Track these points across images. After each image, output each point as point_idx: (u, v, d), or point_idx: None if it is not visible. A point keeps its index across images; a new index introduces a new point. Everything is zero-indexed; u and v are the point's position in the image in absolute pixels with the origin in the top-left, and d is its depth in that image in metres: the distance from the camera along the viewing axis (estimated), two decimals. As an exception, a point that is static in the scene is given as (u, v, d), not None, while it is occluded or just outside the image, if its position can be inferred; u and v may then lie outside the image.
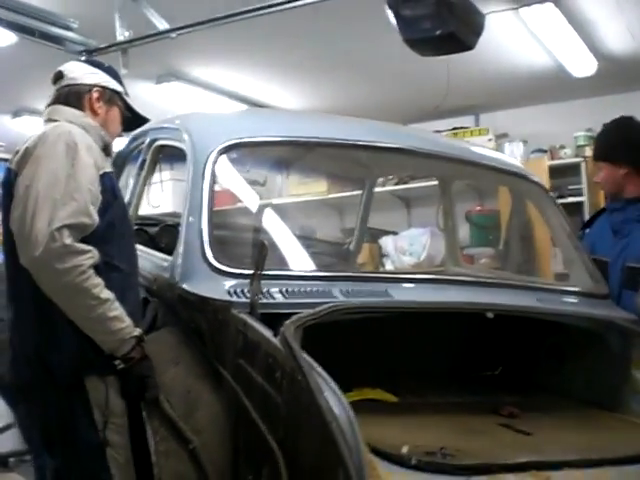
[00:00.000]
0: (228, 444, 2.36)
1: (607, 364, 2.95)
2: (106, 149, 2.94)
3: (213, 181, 2.87)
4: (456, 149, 3.73)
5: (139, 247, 3.34)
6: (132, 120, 3.21)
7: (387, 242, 7.38)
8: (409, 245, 7.14)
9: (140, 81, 6.45)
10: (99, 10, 4.84)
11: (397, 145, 3.35)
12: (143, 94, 6.87)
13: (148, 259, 3.24)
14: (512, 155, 7.32)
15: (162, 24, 4.76)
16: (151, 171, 3.59)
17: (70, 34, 4.81)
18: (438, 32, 3.86)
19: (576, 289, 3.33)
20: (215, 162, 2.91)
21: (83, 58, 2.99)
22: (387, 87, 6.88)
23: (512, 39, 5.74)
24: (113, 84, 3.04)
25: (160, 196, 3.95)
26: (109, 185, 2.77)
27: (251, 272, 2.49)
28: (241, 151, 3.14)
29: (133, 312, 2.77)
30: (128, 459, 2.64)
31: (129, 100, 3.12)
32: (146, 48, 5.01)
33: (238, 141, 3.02)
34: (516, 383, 3.30)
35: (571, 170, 6.91)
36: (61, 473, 2.68)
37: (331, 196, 7.68)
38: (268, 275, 2.59)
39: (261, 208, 3.61)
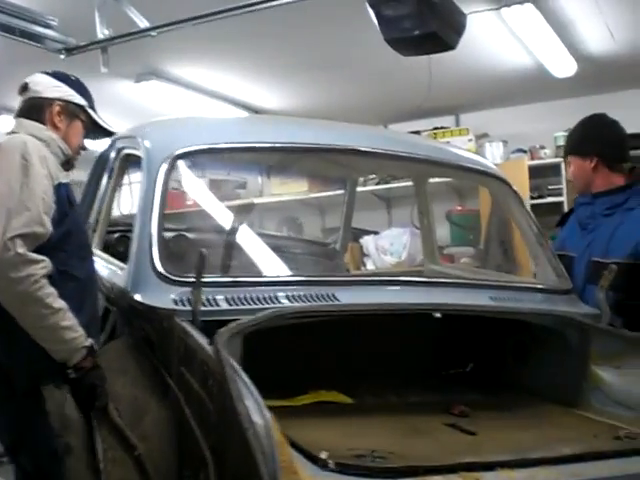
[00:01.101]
0: (172, 451, 2.38)
1: (568, 360, 2.95)
2: (68, 162, 2.98)
3: (164, 190, 2.87)
4: (421, 148, 3.71)
5: (103, 255, 3.39)
6: (97, 132, 3.22)
7: (368, 242, 7.40)
8: (390, 245, 7.16)
9: (119, 79, 6.43)
10: (79, 8, 4.79)
11: (352, 146, 3.34)
12: (122, 92, 6.85)
13: (108, 267, 3.25)
14: (492, 155, 7.37)
15: (142, 22, 4.73)
16: (119, 179, 3.59)
17: (50, 32, 4.77)
18: (420, 32, 3.86)
19: (537, 285, 3.33)
20: (166, 170, 2.90)
21: (50, 71, 3.00)
22: (369, 87, 6.89)
23: (493, 39, 5.76)
24: (77, 98, 3.06)
25: (130, 203, 3.93)
26: (64, 195, 2.80)
27: (205, 280, 2.51)
28: (193, 159, 3.15)
29: (90, 322, 2.80)
30: (88, 465, 2.65)
31: (93, 114, 3.13)
32: (126, 46, 4.98)
33: (190, 149, 3.02)
34: (484, 381, 3.31)
35: (551, 170, 6.96)
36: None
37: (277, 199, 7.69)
38: (214, 282, 2.64)
39: (215, 214, 3.63)
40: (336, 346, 3.16)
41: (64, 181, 2.84)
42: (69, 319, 2.64)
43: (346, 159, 3.62)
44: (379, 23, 3.91)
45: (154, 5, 4.77)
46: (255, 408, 1.85)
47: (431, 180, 7.10)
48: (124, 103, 7.03)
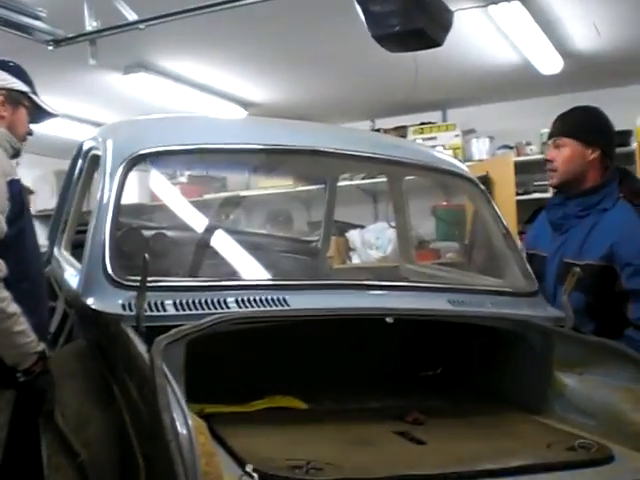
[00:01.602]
0: (115, 458, 2.34)
1: (532, 366, 2.92)
2: (17, 154, 2.98)
3: (120, 191, 2.83)
4: (387, 149, 3.61)
5: (68, 257, 3.35)
6: (41, 115, 3.22)
7: (354, 236, 7.42)
8: (375, 239, 7.19)
9: (107, 72, 6.41)
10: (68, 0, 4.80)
11: (315, 147, 3.29)
12: (110, 85, 6.83)
13: (70, 269, 3.21)
14: (478, 151, 7.42)
15: (131, 15, 4.73)
16: (87, 180, 3.55)
17: (38, 23, 4.75)
18: (406, 28, 3.87)
19: (502, 288, 3.26)
20: (124, 172, 2.87)
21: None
22: (355, 82, 6.91)
23: (480, 36, 5.78)
24: (18, 85, 3.06)
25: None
26: (17, 192, 2.79)
27: (152, 284, 2.46)
28: (153, 160, 3.11)
29: (41, 324, 2.82)
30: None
31: (37, 99, 3.14)
32: (114, 38, 4.97)
33: (147, 151, 2.97)
34: (451, 385, 3.30)
35: (537, 166, 6.95)
36: None
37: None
38: (162, 287, 2.59)
39: (176, 215, 3.65)
40: (298, 351, 3.15)
41: (16, 177, 2.82)
42: (22, 324, 2.65)
43: (311, 160, 3.55)
44: (366, 19, 3.93)
45: (143, -2, 4.77)
46: (180, 420, 1.85)
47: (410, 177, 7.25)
48: (112, 95, 7.02)
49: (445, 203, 7.33)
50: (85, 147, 3.55)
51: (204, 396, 2.12)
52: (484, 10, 5.20)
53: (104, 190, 2.85)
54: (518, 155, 7.13)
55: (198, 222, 3.81)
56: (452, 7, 4.05)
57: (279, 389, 2.94)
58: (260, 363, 3.09)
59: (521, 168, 6.92)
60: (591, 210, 3.43)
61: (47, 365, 2.71)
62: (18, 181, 2.84)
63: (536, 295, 3.21)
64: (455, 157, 6.83)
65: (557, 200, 3.58)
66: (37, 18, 4.76)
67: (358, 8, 3.90)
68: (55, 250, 3.74)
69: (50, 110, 3.21)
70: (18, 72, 3.11)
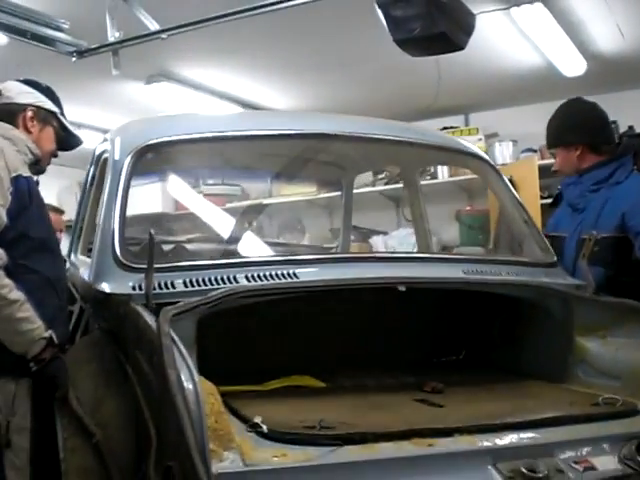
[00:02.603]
0: (130, 436, 2.38)
1: (552, 335, 2.90)
2: (37, 163, 3.03)
3: (128, 182, 2.92)
4: (406, 132, 3.63)
5: (85, 260, 3.39)
6: (68, 140, 3.28)
7: (377, 242, 7.40)
8: (399, 244, 7.16)
9: (129, 81, 6.44)
10: (90, 11, 4.83)
11: (327, 131, 3.30)
12: (132, 94, 6.87)
13: (82, 270, 3.27)
14: (502, 155, 7.36)
15: (153, 25, 4.75)
16: (101, 186, 3.56)
17: (61, 35, 4.79)
18: (428, 32, 3.85)
19: (519, 259, 3.25)
20: (131, 163, 2.96)
21: (22, 78, 3.10)
22: (378, 87, 6.89)
23: (502, 39, 5.76)
24: (48, 105, 3.15)
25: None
26: (25, 189, 2.84)
27: (161, 265, 2.56)
28: (159, 151, 3.17)
29: (54, 318, 2.82)
30: (26, 463, 2.70)
31: (64, 120, 3.21)
32: (136, 49, 5.00)
33: (154, 142, 3.06)
34: (472, 365, 3.27)
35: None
36: None
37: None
38: (172, 267, 2.66)
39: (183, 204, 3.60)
40: (314, 333, 3.14)
41: (25, 174, 2.86)
42: (26, 310, 2.67)
43: (322, 145, 3.57)
44: (388, 24, 3.91)
45: (164, 7, 4.79)
46: (186, 375, 1.85)
47: (439, 180, 7.22)
48: (135, 105, 7.05)
49: (469, 208, 7.30)
50: (97, 152, 3.61)
51: (218, 378, 2.10)
52: (506, 13, 5.17)
53: (112, 180, 2.93)
54: (542, 158, 7.06)
55: (220, 230, 3.83)
56: (474, 10, 4.02)
57: (295, 370, 2.93)
58: (276, 344, 3.08)
59: (545, 171, 6.83)
60: (603, 184, 3.52)
61: (57, 352, 2.74)
62: (27, 178, 2.87)
63: (555, 266, 3.21)
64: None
65: (572, 179, 3.68)
66: (60, 30, 4.79)
67: (380, 13, 3.89)
68: (72, 256, 3.81)
69: (76, 134, 3.30)
70: (49, 93, 3.20)
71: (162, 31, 4.73)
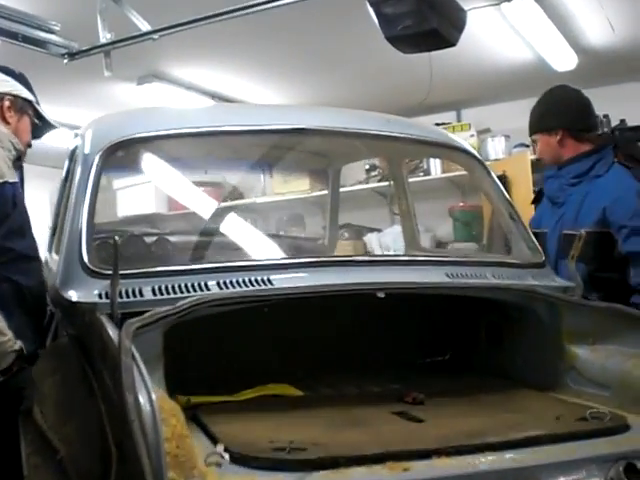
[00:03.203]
0: (95, 453, 2.20)
1: (541, 340, 2.78)
2: (19, 159, 2.93)
3: (97, 181, 2.73)
4: (390, 125, 3.43)
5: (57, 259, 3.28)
6: (43, 128, 3.20)
7: (371, 239, 7.41)
8: (393, 242, 7.16)
9: (121, 82, 6.44)
10: (81, 12, 4.82)
11: (310, 126, 3.13)
12: (124, 95, 6.86)
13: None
14: (494, 150, 7.37)
15: (144, 26, 4.74)
16: (71, 183, 3.45)
17: (53, 37, 4.77)
18: (420, 29, 3.85)
19: (504, 260, 3.11)
20: (100, 162, 2.77)
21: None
22: (369, 84, 6.90)
23: (493, 34, 5.77)
24: (25, 93, 3.05)
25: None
26: (9, 196, 2.74)
27: (128, 272, 2.41)
28: (129, 148, 3.00)
29: (21, 327, 2.73)
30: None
31: (40, 109, 3.12)
32: (127, 49, 4.99)
33: (125, 139, 2.88)
34: (457, 370, 3.15)
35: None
36: None
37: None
38: (141, 273, 2.51)
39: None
40: (292, 339, 3.03)
41: (11, 180, 2.77)
42: None
43: (309, 140, 3.43)
44: (379, 21, 3.91)
45: (155, 8, 4.78)
46: (145, 398, 1.74)
47: (432, 177, 7.22)
48: (126, 106, 7.03)
49: (462, 204, 7.31)
50: (71, 147, 3.38)
51: (193, 387, 2.02)
52: (497, 8, 5.19)
53: (80, 180, 2.75)
54: (534, 153, 7.06)
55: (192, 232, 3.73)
56: (465, 6, 4.02)
57: (274, 377, 2.81)
58: (252, 352, 2.95)
59: (538, 166, 6.88)
60: (584, 177, 3.45)
61: (24, 363, 2.65)
62: (13, 184, 2.78)
63: (543, 267, 3.07)
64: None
65: (551, 172, 3.62)
66: (51, 32, 4.78)
67: (370, 10, 3.89)
68: (47, 255, 3.61)
69: (52, 121, 3.19)
70: (24, 81, 3.10)
71: (153, 32, 4.72)
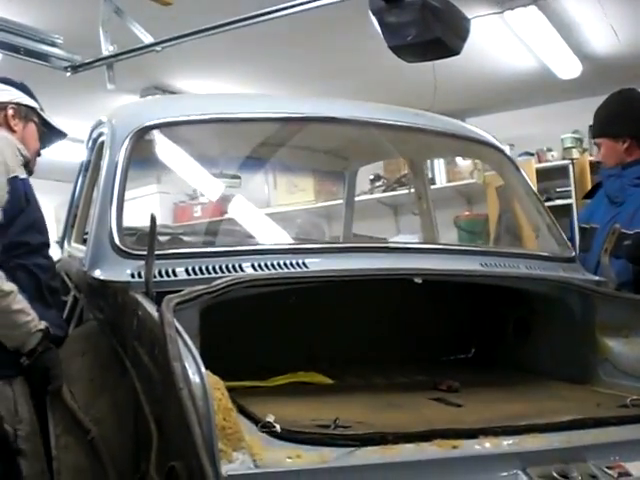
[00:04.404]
0: (128, 433, 2.26)
1: (572, 333, 2.77)
2: (27, 165, 2.92)
3: (127, 164, 2.76)
4: (417, 118, 3.47)
5: (81, 247, 3.21)
6: (50, 135, 3.21)
7: (376, 249, 7.37)
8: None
9: (124, 95, 6.42)
10: (83, 25, 4.81)
11: (341, 116, 3.17)
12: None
13: (77, 257, 3.12)
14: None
15: (147, 38, 4.73)
16: (96, 172, 3.35)
17: (55, 50, 4.76)
18: (424, 38, 3.83)
19: (536, 252, 3.12)
20: (130, 146, 2.80)
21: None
22: (373, 93, 6.81)
23: (497, 43, 5.77)
24: (27, 100, 3.06)
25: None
26: (21, 190, 2.75)
27: (162, 252, 2.44)
28: (156, 133, 3.03)
29: (41, 310, 2.71)
30: (43, 469, 2.55)
31: (45, 115, 3.13)
32: (130, 62, 4.98)
33: (153, 122, 2.92)
34: (485, 364, 3.15)
35: (559, 172, 6.92)
36: None
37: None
38: (174, 254, 2.55)
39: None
40: (322, 327, 3.03)
41: (22, 176, 2.78)
42: (21, 302, 2.58)
43: (333, 129, 3.42)
44: (382, 31, 3.88)
45: (158, 20, 4.77)
46: (193, 368, 1.74)
47: (437, 186, 7.18)
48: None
49: (467, 213, 7.28)
50: (93, 136, 3.40)
51: (223, 373, 2.02)
52: (500, 16, 5.19)
53: (110, 164, 2.79)
54: (539, 162, 7.05)
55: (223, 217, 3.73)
56: (468, 14, 4.00)
57: (300, 366, 2.81)
58: (280, 339, 2.95)
59: (543, 175, 6.85)
60: None
61: (49, 343, 2.63)
62: (23, 180, 2.78)
63: (573, 261, 3.09)
64: (475, 166, 6.79)
65: (614, 171, 3.53)
66: (54, 45, 4.77)
67: (374, 19, 3.87)
68: (65, 244, 3.64)
69: (59, 128, 3.21)
70: (25, 89, 3.11)
71: (156, 44, 4.71)
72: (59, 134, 3.25)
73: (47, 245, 2.95)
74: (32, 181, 3.07)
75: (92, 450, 2.30)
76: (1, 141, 2.81)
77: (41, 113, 3.12)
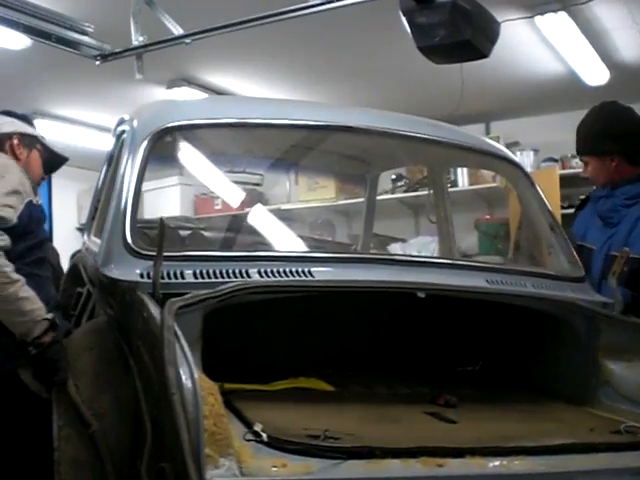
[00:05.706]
0: (127, 429, 2.31)
1: (575, 354, 2.76)
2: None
3: (143, 166, 2.80)
4: (441, 131, 3.48)
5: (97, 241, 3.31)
6: (53, 161, 3.40)
7: (396, 249, 7.37)
8: (417, 252, 7.13)
9: (151, 85, 6.46)
10: (115, 15, 4.85)
11: (362, 125, 3.18)
12: (153, 99, 6.87)
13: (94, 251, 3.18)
14: (522, 164, 7.30)
15: (177, 29, 4.76)
16: (117, 168, 3.42)
17: (86, 38, 4.79)
18: (453, 40, 3.83)
19: (544, 271, 3.11)
20: (147, 147, 2.84)
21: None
22: (400, 94, 6.88)
23: (525, 47, 5.74)
24: (30, 129, 3.27)
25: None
26: (34, 214, 2.93)
27: (171, 254, 2.47)
28: (176, 135, 3.08)
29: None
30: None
31: (47, 142, 3.32)
32: (159, 53, 5.00)
33: (174, 125, 2.96)
34: (490, 379, 3.15)
35: (582, 180, 6.83)
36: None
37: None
38: (183, 256, 2.58)
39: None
40: (325, 335, 3.06)
41: (35, 202, 2.95)
42: (27, 290, 2.68)
43: (353, 138, 3.44)
44: (412, 31, 3.89)
45: (188, 12, 4.79)
46: (186, 373, 1.77)
47: (459, 188, 7.18)
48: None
49: (488, 217, 7.27)
50: (118, 131, 3.46)
51: (225, 375, 2.04)
52: (530, 21, 5.17)
53: (127, 163, 2.83)
54: (563, 168, 7.03)
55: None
56: (499, 18, 4.00)
57: (304, 371, 2.85)
58: (285, 344, 2.99)
59: (566, 181, 6.82)
60: (638, 199, 3.33)
61: (56, 336, 2.71)
62: (37, 206, 2.98)
63: (583, 281, 3.07)
64: (497, 170, 6.76)
65: (604, 192, 3.48)
66: (85, 33, 4.80)
67: (404, 20, 3.87)
68: (85, 237, 3.71)
69: (60, 153, 3.40)
70: (26, 120, 3.33)
71: (186, 36, 4.73)
72: (61, 159, 3.45)
73: (44, 266, 3.09)
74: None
75: (91, 444, 2.35)
76: (15, 166, 2.98)
77: (43, 141, 3.31)
